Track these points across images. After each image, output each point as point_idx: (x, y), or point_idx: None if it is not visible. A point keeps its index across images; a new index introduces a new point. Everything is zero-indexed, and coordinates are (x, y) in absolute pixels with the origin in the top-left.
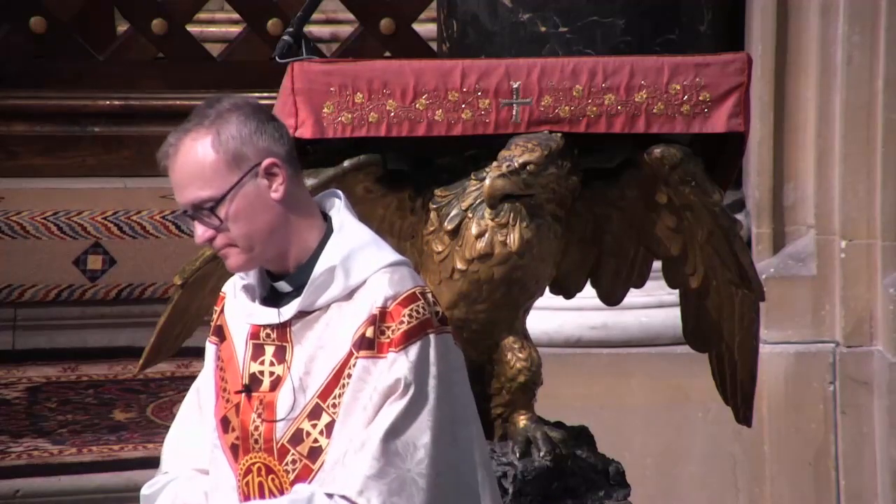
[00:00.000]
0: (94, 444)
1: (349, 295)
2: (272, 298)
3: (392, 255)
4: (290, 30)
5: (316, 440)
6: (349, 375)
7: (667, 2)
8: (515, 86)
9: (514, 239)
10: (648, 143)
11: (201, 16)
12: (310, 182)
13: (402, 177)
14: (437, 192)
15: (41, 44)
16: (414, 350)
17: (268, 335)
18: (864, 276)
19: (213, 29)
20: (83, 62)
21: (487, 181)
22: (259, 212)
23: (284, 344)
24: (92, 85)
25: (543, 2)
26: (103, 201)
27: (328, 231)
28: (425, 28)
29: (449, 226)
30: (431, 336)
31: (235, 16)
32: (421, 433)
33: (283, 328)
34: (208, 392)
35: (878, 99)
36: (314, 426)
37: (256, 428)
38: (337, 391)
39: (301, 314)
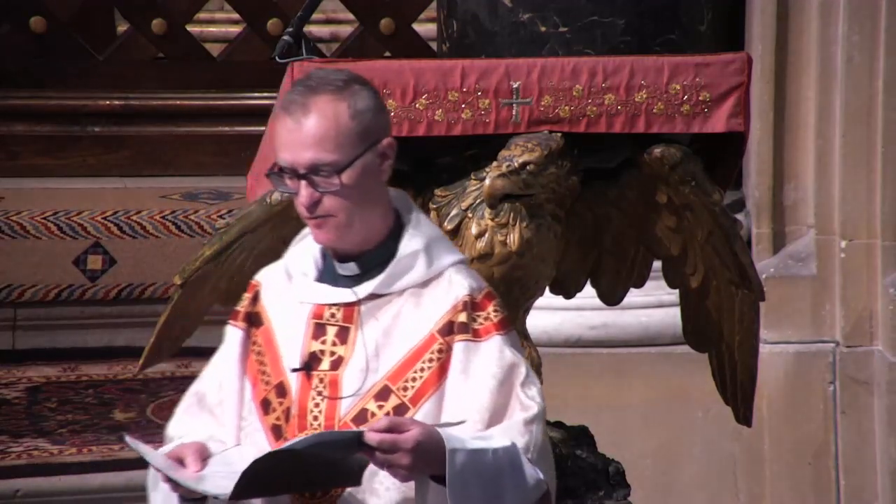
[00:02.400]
0: (94, 444)
1: (424, 283)
2: (329, 280)
3: (460, 254)
4: (290, 30)
5: None
6: (430, 360)
7: (667, 2)
8: (515, 86)
9: (514, 239)
10: (648, 143)
11: (201, 16)
12: None
13: (402, 177)
14: (437, 192)
15: (41, 44)
16: (515, 338)
17: (332, 315)
18: (864, 276)
19: (213, 29)
20: (83, 62)
21: (487, 181)
22: (369, 187)
23: (349, 325)
24: (92, 85)
25: (543, 2)
26: (103, 201)
27: (397, 221)
28: (425, 28)
29: (449, 226)
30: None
31: (235, 16)
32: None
33: (349, 309)
34: (228, 382)
35: (878, 99)
36: (380, 407)
37: (317, 405)
38: (410, 375)
39: (371, 297)
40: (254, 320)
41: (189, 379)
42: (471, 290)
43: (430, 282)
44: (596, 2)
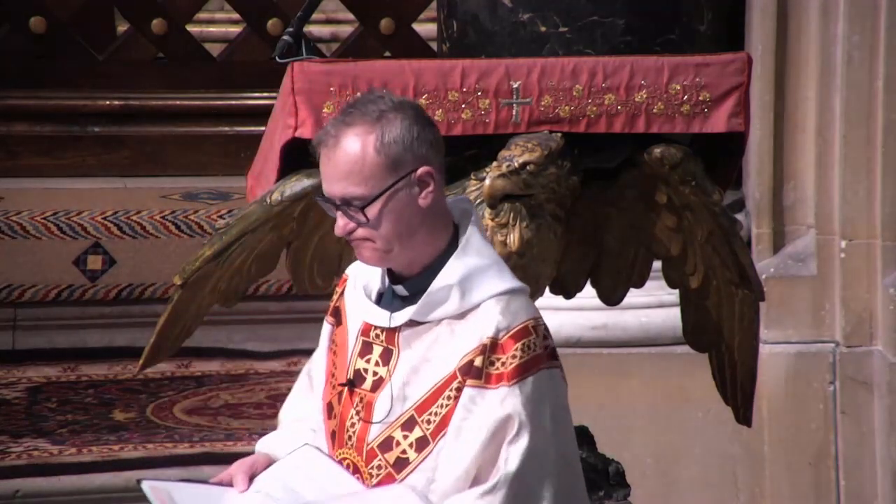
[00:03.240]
0: (94, 444)
1: (462, 315)
2: (388, 298)
3: (511, 282)
4: (290, 30)
5: (404, 451)
6: (449, 397)
7: (667, 2)
8: (515, 86)
9: (514, 239)
10: (648, 143)
11: (201, 16)
12: (308, 183)
13: None
14: None
15: (41, 44)
16: (527, 387)
17: (377, 336)
18: (864, 276)
19: (213, 29)
20: (83, 62)
21: (487, 181)
22: (405, 216)
23: (391, 347)
24: (92, 85)
25: (543, 2)
26: (103, 201)
27: (452, 242)
28: (425, 28)
29: None
30: (542, 372)
31: (235, 16)
32: (542, 479)
33: (392, 332)
34: (321, 371)
35: (878, 99)
36: (405, 437)
37: (353, 424)
38: (433, 409)
39: (412, 322)
40: (336, 317)
41: (189, 379)
42: (497, 330)
43: (467, 314)
44: (596, 2)
